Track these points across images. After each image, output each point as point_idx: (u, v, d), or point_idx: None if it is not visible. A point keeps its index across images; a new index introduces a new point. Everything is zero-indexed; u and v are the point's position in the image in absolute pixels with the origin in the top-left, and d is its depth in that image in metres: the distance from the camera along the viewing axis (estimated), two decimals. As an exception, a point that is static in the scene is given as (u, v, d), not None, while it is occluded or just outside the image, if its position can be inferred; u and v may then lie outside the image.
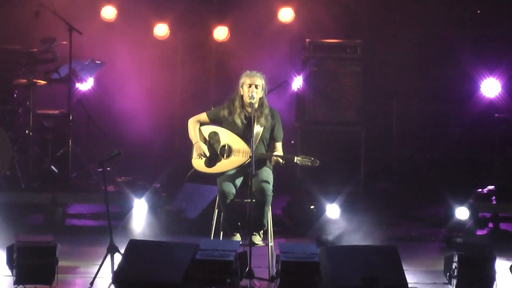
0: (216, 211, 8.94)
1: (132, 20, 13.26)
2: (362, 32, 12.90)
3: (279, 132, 8.98)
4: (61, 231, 10.85)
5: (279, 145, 8.96)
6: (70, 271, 8.83)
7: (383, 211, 11.88)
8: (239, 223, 8.87)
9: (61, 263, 8.17)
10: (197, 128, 8.99)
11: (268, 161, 8.92)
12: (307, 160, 8.74)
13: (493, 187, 11.41)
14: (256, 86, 8.84)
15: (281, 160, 8.72)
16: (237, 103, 8.95)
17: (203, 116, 9.04)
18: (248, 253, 8.11)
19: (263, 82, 8.90)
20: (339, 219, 10.97)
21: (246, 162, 8.77)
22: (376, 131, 13.00)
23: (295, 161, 8.73)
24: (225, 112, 8.98)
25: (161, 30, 13.35)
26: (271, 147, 8.98)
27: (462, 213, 10.79)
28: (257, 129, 8.86)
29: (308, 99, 11.83)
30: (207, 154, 8.87)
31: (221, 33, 13.40)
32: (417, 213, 12.15)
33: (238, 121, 8.92)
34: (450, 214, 10.84)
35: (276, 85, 11.89)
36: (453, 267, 8.15)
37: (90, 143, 12.23)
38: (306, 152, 8.83)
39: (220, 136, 8.91)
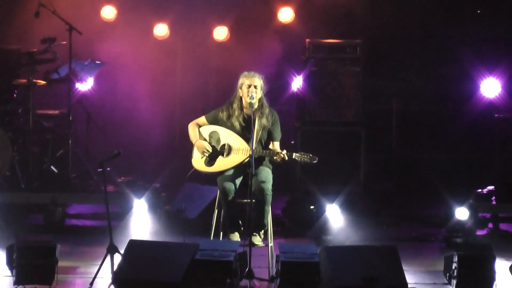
0: (216, 211, 8.94)
1: (132, 20, 13.26)
2: (362, 32, 12.89)
3: (277, 132, 8.99)
4: (61, 231, 10.85)
5: (277, 145, 8.97)
6: (70, 271, 8.83)
7: (383, 211, 11.88)
8: (240, 221, 8.88)
9: (61, 263, 8.18)
10: (197, 130, 9.02)
11: (267, 160, 8.93)
12: (305, 156, 8.74)
13: (493, 187, 11.41)
14: (255, 87, 8.86)
15: (283, 156, 8.70)
16: (235, 105, 8.96)
17: (202, 120, 9.06)
18: (248, 253, 8.12)
19: (262, 82, 8.92)
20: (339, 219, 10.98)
21: (246, 160, 8.79)
22: (376, 131, 12.99)
23: (293, 157, 8.73)
24: (224, 115, 8.99)
25: (161, 30, 13.35)
26: (268, 147, 8.98)
27: (462, 213, 10.78)
28: (257, 129, 8.87)
29: (308, 99, 11.83)
30: (210, 149, 8.88)
31: (221, 33, 13.40)
32: (417, 213, 12.15)
33: (237, 124, 8.94)
34: (450, 214, 10.84)
35: (276, 85, 11.90)
36: (453, 267, 8.16)
37: (90, 143, 12.23)
38: (306, 152, 8.82)
39: (220, 136, 8.93)
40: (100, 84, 12.77)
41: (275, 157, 8.75)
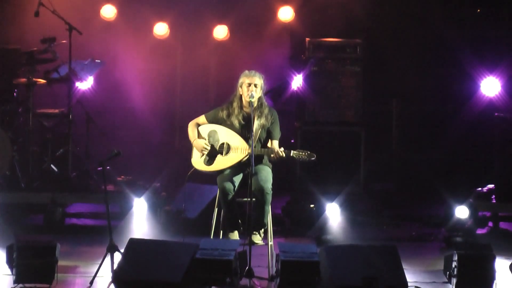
0: (216, 210, 8.94)
1: (132, 20, 13.27)
2: (362, 32, 12.89)
3: (276, 131, 8.99)
4: (61, 231, 10.85)
5: (275, 143, 8.96)
6: (70, 270, 8.83)
7: (383, 211, 11.87)
8: (239, 220, 8.88)
9: (61, 262, 8.18)
10: (195, 130, 9.03)
11: (267, 159, 8.93)
12: (303, 154, 8.74)
13: (493, 186, 11.41)
14: (255, 85, 8.86)
15: (281, 154, 8.69)
16: (235, 104, 8.96)
17: (202, 119, 9.06)
18: (248, 252, 8.12)
19: (262, 81, 8.92)
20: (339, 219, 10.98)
21: (244, 159, 8.79)
22: (376, 131, 12.99)
23: (291, 155, 8.73)
24: (224, 114, 9.00)
25: (161, 29, 13.35)
26: (267, 146, 8.98)
27: (461, 212, 10.78)
28: (256, 127, 8.87)
29: (308, 99, 11.83)
30: (208, 147, 8.88)
31: (221, 32, 13.40)
32: (417, 213, 12.14)
33: (236, 122, 8.94)
34: (450, 213, 10.84)
35: (276, 85, 11.91)
36: (453, 266, 8.16)
37: (90, 142, 12.21)
38: (306, 150, 8.82)
39: (219, 135, 8.93)
40: (100, 83, 12.76)
41: (272, 155, 8.75)
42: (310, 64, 11.79)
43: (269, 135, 8.98)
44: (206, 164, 8.92)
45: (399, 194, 12.96)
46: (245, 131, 8.90)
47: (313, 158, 8.75)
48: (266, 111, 8.97)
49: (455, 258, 8.14)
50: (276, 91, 12.05)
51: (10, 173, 11.29)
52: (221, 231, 8.98)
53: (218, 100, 9.92)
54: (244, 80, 8.91)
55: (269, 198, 8.78)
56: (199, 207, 10.80)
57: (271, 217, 8.90)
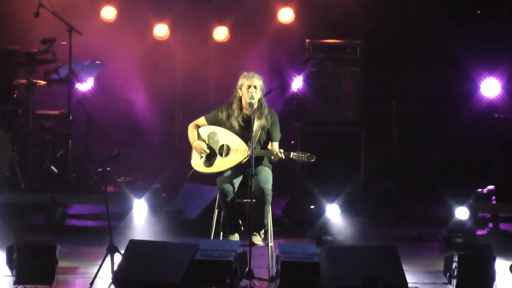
0: (216, 211, 8.94)
1: (132, 20, 13.27)
2: (362, 32, 12.89)
3: (276, 133, 8.98)
4: (61, 231, 10.85)
5: (275, 145, 8.96)
6: (70, 271, 8.84)
7: (383, 211, 11.87)
8: (240, 222, 8.88)
9: (61, 263, 8.18)
10: (195, 131, 9.02)
11: (267, 160, 8.93)
12: (303, 155, 8.74)
13: (493, 187, 11.42)
14: (255, 87, 8.85)
15: (280, 155, 8.70)
16: (235, 106, 8.95)
17: (202, 120, 9.06)
18: (248, 253, 8.12)
19: (261, 82, 8.90)
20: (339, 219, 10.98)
21: (244, 160, 8.79)
22: (376, 131, 12.99)
23: (291, 156, 8.73)
24: (223, 115, 8.99)
25: (161, 30, 13.36)
26: (267, 147, 8.98)
27: (462, 213, 10.79)
28: (256, 129, 8.87)
29: (308, 99, 11.84)
30: (207, 150, 8.88)
31: (221, 33, 13.41)
32: (417, 213, 12.15)
33: (236, 124, 8.93)
34: (450, 214, 10.84)
35: (276, 85, 11.91)
36: (453, 267, 8.16)
37: (90, 143, 12.23)
38: (305, 151, 8.82)
39: (219, 136, 8.93)
40: (100, 84, 12.77)
41: (272, 157, 8.75)
42: (310, 65, 11.80)
43: (269, 137, 8.97)
44: (206, 166, 8.91)
45: (399, 194, 12.96)
46: (244, 133, 8.90)
47: (312, 160, 8.74)
48: (266, 112, 8.96)
49: (455, 259, 8.13)
50: (279, 88, 12.06)
51: (10, 173, 11.30)
52: (221, 232, 8.98)
53: (218, 101, 9.90)
54: (243, 81, 8.90)
55: (269, 198, 8.78)
56: (199, 208, 10.81)
57: (271, 217, 8.90)
